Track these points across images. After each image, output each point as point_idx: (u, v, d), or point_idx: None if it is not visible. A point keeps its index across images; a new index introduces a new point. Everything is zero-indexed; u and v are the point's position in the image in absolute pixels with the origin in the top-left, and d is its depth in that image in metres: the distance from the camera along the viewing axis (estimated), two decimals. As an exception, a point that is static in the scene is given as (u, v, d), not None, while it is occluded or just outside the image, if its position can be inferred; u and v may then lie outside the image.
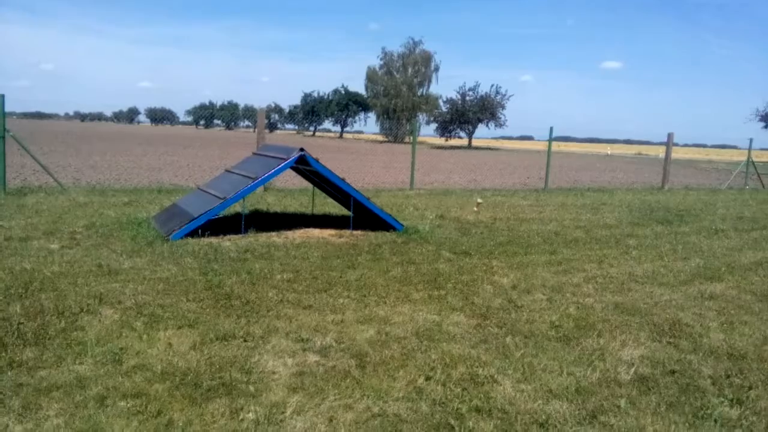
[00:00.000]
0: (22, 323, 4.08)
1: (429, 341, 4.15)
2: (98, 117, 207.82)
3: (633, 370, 3.80)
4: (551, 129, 18.80)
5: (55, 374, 3.35)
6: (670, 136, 19.87)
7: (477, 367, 3.74)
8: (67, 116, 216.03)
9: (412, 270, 6.22)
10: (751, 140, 22.30)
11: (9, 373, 3.33)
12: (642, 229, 9.70)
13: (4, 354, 3.57)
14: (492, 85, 79.50)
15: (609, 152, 76.80)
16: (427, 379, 3.52)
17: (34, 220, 7.94)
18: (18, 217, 8.17)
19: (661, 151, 22.67)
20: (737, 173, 22.73)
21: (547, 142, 18.90)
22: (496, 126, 72.58)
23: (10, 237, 6.80)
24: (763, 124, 64.70)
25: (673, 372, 3.81)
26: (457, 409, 3.18)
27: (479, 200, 11.84)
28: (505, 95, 70.90)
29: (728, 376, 3.78)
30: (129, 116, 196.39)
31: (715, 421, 3.18)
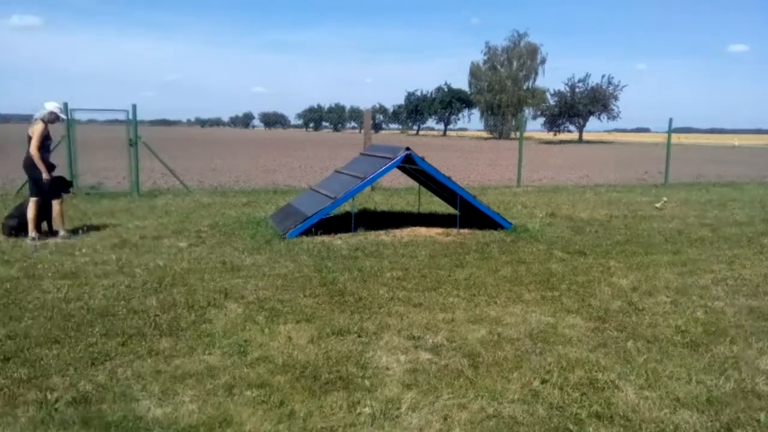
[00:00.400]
0: (158, 315, 4.45)
1: (544, 343, 4.05)
2: (216, 122, 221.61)
3: (773, 381, 3.49)
4: (670, 120, 17.63)
5: (188, 363, 3.62)
6: (811, 123, 17.95)
7: (596, 371, 3.60)
8: (188, 122, 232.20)
9: (522, 270, 6.09)
10: None
11: (149, 361, 3.64)
12: (779, 227, 8.85)
13: (144, 343, 3.91)
14: (603, 76, 75.76)
15: (736, 143, 70.67)
16: (543, 382, 3.44)
17: (164, 220, 8.62)
18: (150, 217, 8.91)
19: (799, 141, 20.44)
20: None
21: (665, 134, 17.73)
22: (608, 118, 69.15)
23: (144, 236, 7.43)
24: None
25: (821, 385, 3.45)
26: (576, 414, 3.07)
27: (664, 199, 11.46)
28: (618, 86, 67.41)
29: None
30: (244, 121, 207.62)
31: None
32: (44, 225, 7.41)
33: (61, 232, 7.20)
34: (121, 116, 12.00)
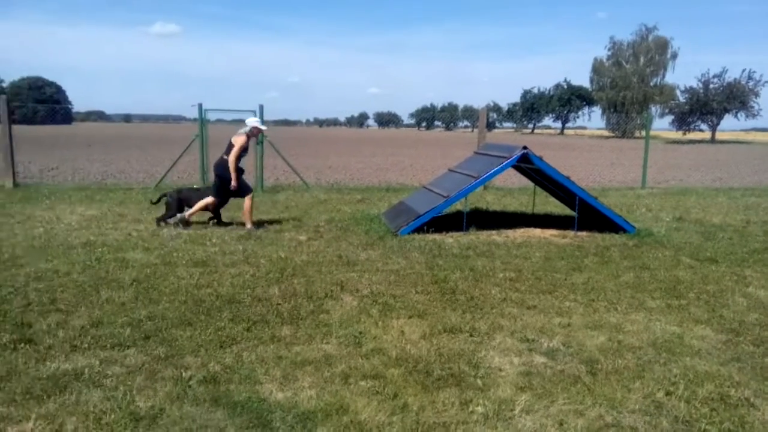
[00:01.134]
0: (280, 304, 4.70)
1: (668, 354, 3.82)
2: (333, 122, 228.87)
3: None
4: (824, 117, 15.81)
5: (307, 350, 3.80)
6: None
7: (728, 387, 3.34)
8: (307, 122, 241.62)
9: (646, 276, 5.76)
10: None
11: (271, 347, 3.87)
12: None
13: (267, 329, 4.16)
14: (744, 70, 69.27)
15: None
16: (668, 394, 3.25)
17: (285, 214, 9.07)
18: (273, 211, 9.41)
19: None
20: None
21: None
22: (747, 116, 63.31)
23: (267, 228, 7.86)
24: None
25: None
26: (705, 429, 2.88)
27: None
28: (759, 81, 61.51)
29: None
30: (359, 121, 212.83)
31: None
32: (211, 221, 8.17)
33: (248, 226, 7.81)
34: (249, 116, 12.75)
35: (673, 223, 8.77)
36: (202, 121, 12.71)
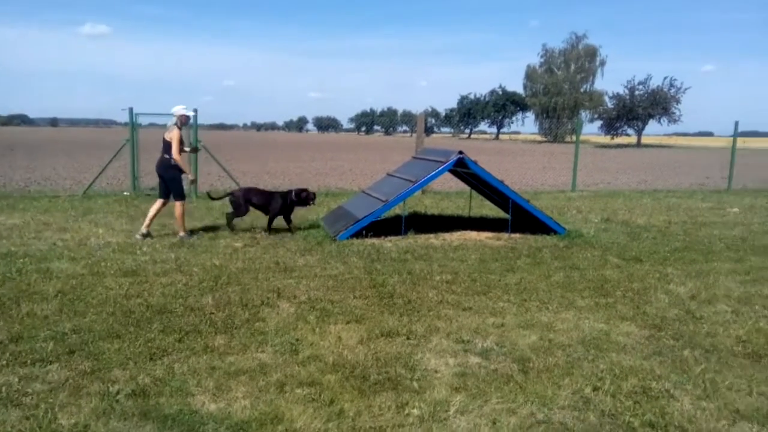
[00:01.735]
0: (213, 313, 4.59)
1: (596, 350, 3.97)
2: (271, 126, 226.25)
3: (843, 396, 3.31)
4: (736, 123, 16.92)
5: (241, 360, 3.73)
6: None
7: (650, 380, 3.51)
8: (244, 127, 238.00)
9: (576, 275, 5.98)
10: None
11: (204, 357, 3.77)
12: None
13: (199, 340, 4.05)
14: (665, 78, 73.13)
15: (809, 147, 67.03)
16: (595, 389, 3.38)
17: (221, 221, 8.86)
18: (208, 218, 9.19)
19: None
20: None
21: (730, 139, 17.03)
22: (669, 122, 66.81)
23: (201, 236, 7.68)
24: None
25: None
26: (629, 422, 3.01)
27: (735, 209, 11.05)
28: (680, 88, 65.03)
29: None
30: (298, 125, 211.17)
31: None
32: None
33: (181, 233, 7.53)
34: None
35: (602, 224, 9.13)
36: (134, 125, 12.27)
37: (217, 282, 5.46)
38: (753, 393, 3.34)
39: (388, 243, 7.41)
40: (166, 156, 7.47)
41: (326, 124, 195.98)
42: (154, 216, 7.64)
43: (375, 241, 7.47)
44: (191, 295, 5.06)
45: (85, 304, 4.75)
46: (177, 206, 7.57)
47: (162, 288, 5.24)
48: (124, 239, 7.37)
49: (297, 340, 4.06)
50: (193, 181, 7.45)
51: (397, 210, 9.00)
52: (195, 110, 10.93)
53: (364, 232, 7.65)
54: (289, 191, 8.14)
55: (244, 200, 7.98)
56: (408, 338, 4.13)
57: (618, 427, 2.97)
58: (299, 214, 9.67)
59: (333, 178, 18.24)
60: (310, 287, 5.35)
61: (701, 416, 3.08)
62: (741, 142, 20.03)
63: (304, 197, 8.10)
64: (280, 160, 28.32)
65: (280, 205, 8.02)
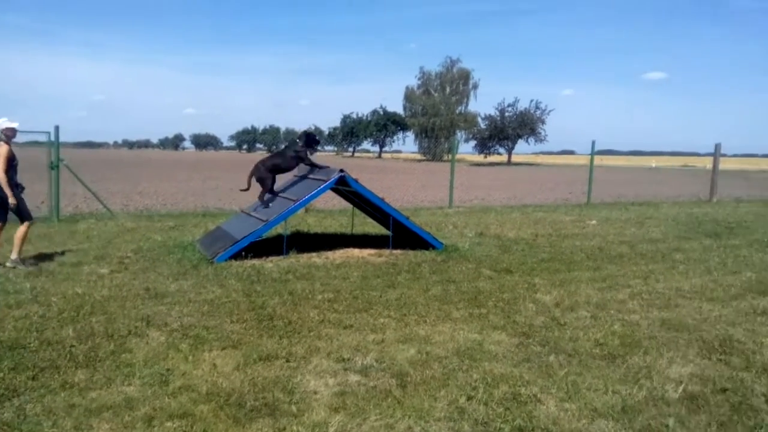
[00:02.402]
0: (74, 346, 4.23)
1: (470, 360, 4.12)
2: (145, 144, 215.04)
3: (681, 388, 3.69)
4: (593, 143, 18.52)
5: (105, 395, 3.46)
6: (717, 146, 19.32)
7: (520, 386, 3.69)
8: (116, 144, 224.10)
9: (452, 288, 6.20)
10: (804, 148, 21.48)
11: (62, 395, 3.46)
12: (689, 243, 9.42)
13: (57, 376, 3.71)
14: (531, 101, 78.81)
15: (654, 165, 75.00)
16: (469, 398, 3.50)
17: (84, 246, 8.25)
18: (70, 242, 8.50)
19: (708, 162, 22.04)
20: (791, 182, 21.85)
21: (589, 157, 18.61)
22: (536, 141, 72.06)
23: (63, 262, 7.08)
24: (817, 130, 61.99)
25: (724, 390, 3.68)
26: (500, 428, 3.14)
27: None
28: (545, 110, 70.40)
29: (785, 395, 3.62)
30: (174, 143, 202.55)
31: (771, 441, 3.06)
32: None
33: (14, 256, 6.76)
34: (42, 137, 11.44)
35: (476, 239, 9.57)
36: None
37: (79, 312, 5.05)
38: (609, 391, 3.63)
39: (269, 263, 7.26)
40: None
41: (205, 142, 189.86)
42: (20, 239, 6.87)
43: (255, 262, 7.29)
44: (49, 327, 4.63)
45: None
46: (22, 227, 6.87)
47: (14, 321, 4.76)
48: (10, 264, 6.63)
49: (167, 370, 3.84)
50: (14, 206, 6.68)
51: (278, 229, 8.86)
52: (57, 134, 10.15)
53: (243, 253, 7.44)
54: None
55: (266, 170, 8.47)
56: (287, 361, 4.05)
57: (490, 434, 3.09)
58: (173, 235, 9.23)
59: (211, 198, 17.63)
60: (183, 313, 5.10)
61: (564, 417, 3.29)
62: (598, 160, 21.93)
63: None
64: (153, 179, 26.94)
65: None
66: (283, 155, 8.84)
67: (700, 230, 10.98)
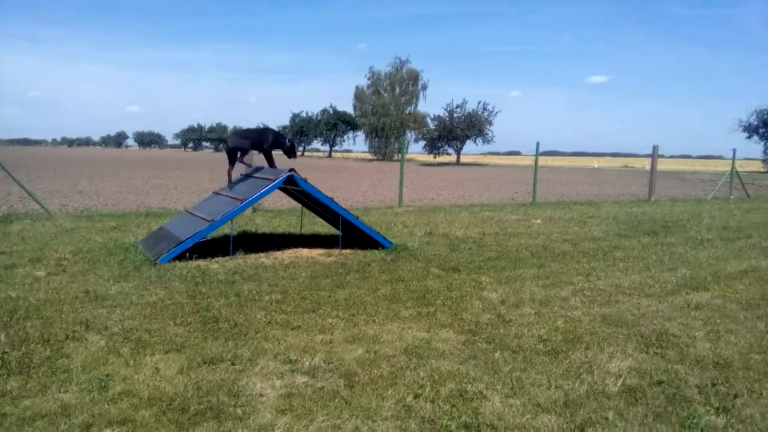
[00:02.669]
0: (7, 352, 4.04)
1: (418, 359, 4.15)
2: (86, 142, 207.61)
3: (621, 381, 3.82)
4: (537, 144, 19.00)
5: (40, 403, 3.32)
6: (655, 148, 20.11)
7: (466, 383, 3.74)
8: (54, 142, 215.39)
9: (401, 287, 6.22)
10: (734, 150, 22.84)
11: (-7, 404, 3.29)
12: (629, 241, 9.77)
13: (-12, 384, 3.53)
14: (479, 102, 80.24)
15: (596, 165, 77.58)
16: (416, 396, 3.52)
17: (19, 248, 7.88)
18: (4, 244, 8.11)
19: (647, 163, 22.94)
20: (722, 183, 23.00)
21: (534, 157, 19.07)
22: (483, 142, 73.34)
23: (-5, 265, 6.74)
24: (746, 134, 65.43)
25: (660, 382, 3.83)
26: (446, 426, 3.17)
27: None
28: (492, 111, 71.70)
29: (714, 385, 3.80)
30: (117, 141, 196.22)
31: (702, 430, 3.20)
32: None
33: None
34: (-31, 134, 10.85)
35: (425, 238, 9.65)
36: None
37: (12, 317, 4.81)
38: (552, 387, 3.72)
39: (215, 264, 7.12)
40: None
41: (149, 140, 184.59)
42: None
43: (200, 263, 7.14)
44: (-22, 334, 4.40)
45: None
46: None
47: (-61, 328, 4.50)
48: None
49: (107, 375, 3.71)
50: None
51: (225, 230, 8.70)
52: None
53: (188, 254, 7.27)
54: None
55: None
56: (233, 363, 3.98)
57: (436, 431, 3.12)
58: (114, 236, 8.94)
59: (155, 197, 17.17)
60: (125, 317, 4.94)
61: (509, 413, 3.35)
62: (543, 161, 22.51)
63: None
64: (94, 178, 26.02)
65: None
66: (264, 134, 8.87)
67: (639, 229, 11.40)
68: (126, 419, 3.14)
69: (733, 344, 4.63)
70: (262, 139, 8.69)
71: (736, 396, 3.64)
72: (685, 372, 4.02)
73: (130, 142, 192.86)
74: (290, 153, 9.06)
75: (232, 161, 8.46)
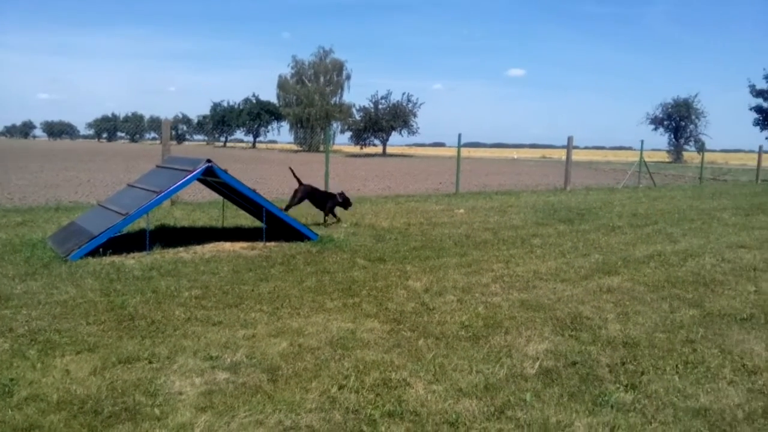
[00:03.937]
0: None
1: (343, 350, 4.15)
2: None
3: (538, 364, 3.97)
4: (459, 136, 19.40)
5: (-66, 413, 3.07)
6: (570, 139, 21.00)
7: (390, 371, 3.78)
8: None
9: (326, 279, 6.20)
10: (642, 142, 24.26)
11: None
12: (546, 229, 10.17)
13: None
14: (404, 94, 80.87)
15: (515, 156, 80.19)
16: (341, 387, 3.52)
17: None
18: None
19: (563, 154, 23.93)
20: (632, 173, 24.37)
21: (457, 149, 19.46)
22: (408, 133, 73.98)
23: None
24: (653, 126, 69.58)
25: (574, 363, 4.01)
26: (370, 415, 3.19)
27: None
28: (416, 103, 72.43)
29: (623, 364, 4.03)
30: (23, 131, 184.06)
31: (612, 406, 3.38)
32: None
33: None
34: None
35: (351, 229, 9.65)
36: None
37: None
38: (473, 371, 3.82)
39: (131, 260, 6.82)
40: None
41: (59, 130, 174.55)
42: None
43: (115, 259, 6.82)
44: None
45: None
46: None
47: None
48: None
49: (11, 380, 3.47)
50: None
51: (141, 223, 8.34)
52: None
53: (101, 249, 6.93)
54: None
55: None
56: (150, 362, 3.83)
57: (360, 421, 3.13)
58: (20, 232, 8.38)
59: (66, 190, 16.24)
60: (32, 317, 4.64)
61: (432, 399, 3.41)
62: (465, 152, 23.01)
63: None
64: (-2, 170, 24.28)
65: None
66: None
67: (556, 217, 11.89)
68: (32, 425, 2.96)
69: (641, 324, 4.92)
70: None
71: (642, 373, 3.88)
72: (597, 352, 4.23)
73: (38, 132, 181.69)
74: None
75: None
